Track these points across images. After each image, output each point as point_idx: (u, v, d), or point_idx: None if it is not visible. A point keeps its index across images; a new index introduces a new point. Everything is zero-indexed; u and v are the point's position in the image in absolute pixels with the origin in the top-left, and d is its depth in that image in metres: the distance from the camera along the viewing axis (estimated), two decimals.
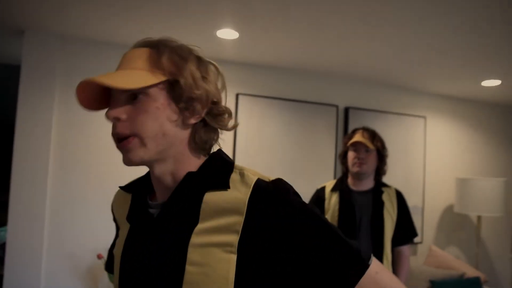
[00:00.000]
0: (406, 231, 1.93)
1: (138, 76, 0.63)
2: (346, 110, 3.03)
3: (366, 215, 1.88)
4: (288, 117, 2.83)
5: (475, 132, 3.62)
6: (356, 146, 1.91)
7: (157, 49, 0.66)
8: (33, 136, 2.17)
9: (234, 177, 0.67)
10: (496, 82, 2.92)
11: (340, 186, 1.96)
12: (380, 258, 1.81)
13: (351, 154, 1.93)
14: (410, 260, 2.97)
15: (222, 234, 0.62)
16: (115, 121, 0.65)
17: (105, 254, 2.25)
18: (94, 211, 2.30)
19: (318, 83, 2.96)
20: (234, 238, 0.62)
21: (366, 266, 0.65)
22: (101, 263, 2.21)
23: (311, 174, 2.88)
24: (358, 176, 1.91)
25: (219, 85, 0.72)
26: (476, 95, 3.39)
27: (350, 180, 1.96)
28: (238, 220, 0.62)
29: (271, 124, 2.77)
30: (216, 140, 0.73)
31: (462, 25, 1.88)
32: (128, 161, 0.66)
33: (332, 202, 1.94)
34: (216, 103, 0.69)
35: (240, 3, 1.73)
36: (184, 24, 2.00)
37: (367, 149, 1.89)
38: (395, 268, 1.92)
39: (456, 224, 3.47)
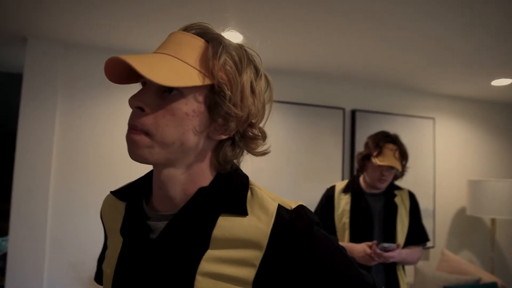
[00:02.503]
0: (417, 235, 1.85)
1: (183, 72, 0.55)
2: (353, 113, 2.97)
3: (378, 218, 1.81)
4: (294, 121, 2.78)
5: (485, 133, 3.54)
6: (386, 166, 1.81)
7: (216, 46, 0.58)
8: (34, 145, 2.15)
9: (252, 199, 0.59)
10: (507, 81, 2.85)
11: (352, 187, 1.89)
12: (392, 263, 1.74)
13: (376, 168, 1.79)
14: (422, 265, 2.88)
15: (236, 267, 0.55)
16: (137, 110, 0.56)
17: None
18: (96, 220, 2.26)
19: (324, 86, 2.91)
20: (250, 274, 0.55)
21: None
22: None
23: (318, 177, 2.82)
24: (375, 188, 1.85)
25: (266, 100, 0.64)
26: (486, 95, 3.31)
27: (362, 182, 1.89)
28: (256, 254, 0.55)
29: (277, 128, 2.72)
30: (240, 159, 0.65)
31: (470, 23, 1.83)
32: (133, 156, 0.57)
33: (342, 202, 1.88)
34: (252, 124, 0.61)
35: (245, 5, 1.70)
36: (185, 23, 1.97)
37: (392, 167, 1.80)
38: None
39: (469, 227, 3.37)
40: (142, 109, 0.56)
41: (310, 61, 2.55)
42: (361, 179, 1.91)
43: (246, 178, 0.63)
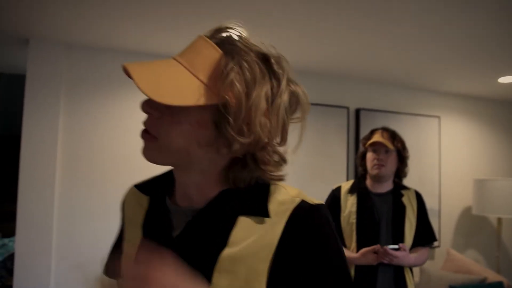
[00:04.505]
0: (425, 234, 1.84)
1: (188, 88, 0.53)
2: (357, 112, 2.95)
3: (385, 219, 1.80)
4: None
5: (491, 131, 3.50)
6: (375, 146, 1.83)
7: (227, 61, 0.54)
8: (39, 146, 2.16)
9: (273, 198, 0.58)
10: None
11: (358, 187, 1.89)
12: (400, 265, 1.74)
13: (370, 156, 1.84)
14: (428, 264, 2.87)
15: (252, 264, 0.55)
16: (147, 113, 0.58)
17: None
18: (102, 220, 2.27)
19: (328, 85, 2.90)
20: (264, 269, 0.55)
21: None
22: None
23: (323, 176, 2.81)
24: (377, 179, 1.84)
25: (295, 116, 0.60)
26: (492, 92, 3.28)
27: (368, 182, 1.89)
28: (271, 249, 0.55)
29: None
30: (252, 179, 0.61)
31: (476, 20, 1.81)
32: (143, 154, 0.59)
33: (348, 203, 1.87)
34: (265, 147, 0.56)
35: (247, 2, 1.69)
36: (192, 28, 1.96)
37: (387, 150, 1.81)
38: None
39: (474, 226, 3.35)
40: (150, 114, 0.57)
41: (314, 60, 2.53)
42: (367, 179, 1.90)
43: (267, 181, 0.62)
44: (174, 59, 0.57)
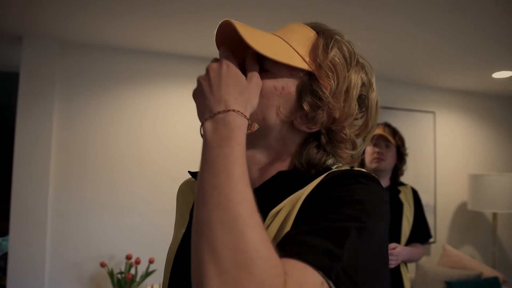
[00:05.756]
0: (421, 232, 1.84)
1: (285, 51, 0.56)
2: None
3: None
4: None
5: (486, 126, 3.51)
6: (376, 140, 1.83)
7: (327, 38, 0.58)
8: (33, 144, 2.14)
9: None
10: (508, 74, 2.83)
11: None
12: None
13: (369, 149, 1.84)
14: (424, 260, 2.87)
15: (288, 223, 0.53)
16: None
17: (108, 262, 2.21)
18: (96, 219, 2.26)
19: None
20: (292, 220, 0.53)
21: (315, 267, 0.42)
22: (105, 271, 2.16)
23: None
24: (375, 173, 1.84)
25: (372, 121, 0.60)
26: (487, 87, 3.28)
27: None
28: (300, 203, 0.53)
29: None
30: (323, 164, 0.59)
31: (470, 16, 1.81)
32: None
33: None
34: (344, 128, 0.57)
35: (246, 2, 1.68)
36: (185, 26, 1.95)
37: (387, 145, 1.82)
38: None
39: (470, 222, 3.36)
40: None
41: None
42: None
43: (330, 164, 0.61)
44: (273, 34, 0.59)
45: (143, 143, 2.38)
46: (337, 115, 0.56)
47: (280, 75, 0.56)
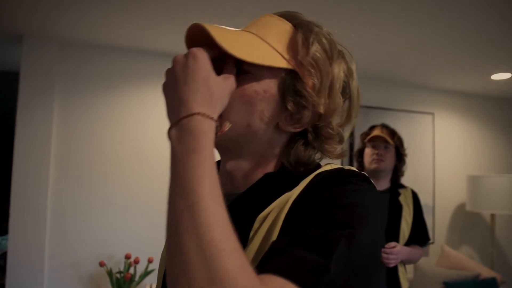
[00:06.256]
0: (419, 235, 1.85)
1: (262, 50, 0.53)
2: None
3: (382, 218, 1.80)
4: None
5: (485, 128, 3.53)
6: (375, 141, 1.84)
7: (307, 32, 0.55)
8: (33, 143, 2.14)
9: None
10: (506, 75, 2.84)
11: None
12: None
13: (368, 151, 1.85)
14: (422, 261, 2.88)
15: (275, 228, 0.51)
16: None
17: (107, 261, 2.21)
18: (96, 218, 2.27)
19: None
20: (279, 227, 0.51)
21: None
22: (104, 271, 2.17)
23: None
24: (375, 174, 1.84)
25: (355, 110, 0.59)
26: (485, 89, 3.30)
27: None
28: (287, 207, 0.51)
29: None
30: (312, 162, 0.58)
31: (469, 18, 1.82)
32: None
33: None
34: (330, 123, 0.55)
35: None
36: (186, 25, 1.96)
37: (386, 146, 1.83)
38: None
39: (468, 223, 3.37)
40: None
41: None
42: None
43: (318, 164, 0.59)
44: (243, 30, 0.57)
45: (143, 142, 2.39)
46: (322, 111, 0.54)
47: (261, 77, 0.54)
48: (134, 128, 2.39)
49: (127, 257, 2.16)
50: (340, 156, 0.58)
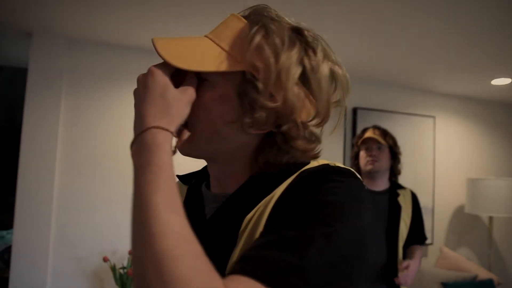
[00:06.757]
0: (417, 235, 1.88)
1: (212, 56, 0.52)
2: (354, 111, 2.99)
3: (381, 218, 1.83)
4: None
5: (485, 132, 3.57)
6: (368, 143, 1.87)
7: (252, 27, 0.52)
8: (39, 139, 2.16)
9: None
10: (506, 81, 2.88)
11: None
12: (394, 264, 1.76)
13: (363, 154, 1.89)
14: (421, 262, 2.91)
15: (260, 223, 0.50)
16: None
17: (111, 257, 2.23)
18: (100, 214, 2.28)
19: None
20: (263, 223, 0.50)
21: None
22: (107, 266, 2.18)
23: None
24: (371, 175, 1.87)
25: (334, 97, 0.56)
26: (486, 94, 3.34)
27: (363, 181, 1.91)
28: (271, 205, 0.50)
29: None
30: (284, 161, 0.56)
31: (471, 22, 1.84)
32: (178, 149, 0.56)
33: None
34: (296, 122, 0.52)
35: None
36: (189, 22, 1.98)
37: (379, 147, 1.86)
38: (410, 254, 1.87)
39: (467, 225, 3.40)
40: None
41: None
42: (362, 177, 1.93)
43: (305, 162, 0.56)
44: (205, 36, 0.57)
45: None
46: (280, 109, 0.51)
47: (216, 83, 0.53)
48: None
49: (131, 253, 2.17)
50: (316, 156, 0.56)
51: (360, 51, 2.35)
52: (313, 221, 0.44)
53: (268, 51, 0.50)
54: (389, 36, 2.08)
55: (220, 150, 0.56)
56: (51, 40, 2.20)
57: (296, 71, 0.51)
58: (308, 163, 0.55)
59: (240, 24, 0.54)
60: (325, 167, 0.51)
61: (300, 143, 0.54)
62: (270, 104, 0.50)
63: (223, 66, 0.51)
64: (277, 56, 0.50)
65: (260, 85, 0.50)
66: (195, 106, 0.53)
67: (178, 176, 0.71)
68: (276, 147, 0.54)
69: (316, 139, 0.56)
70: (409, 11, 1.75)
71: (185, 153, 0.57)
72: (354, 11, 1.78)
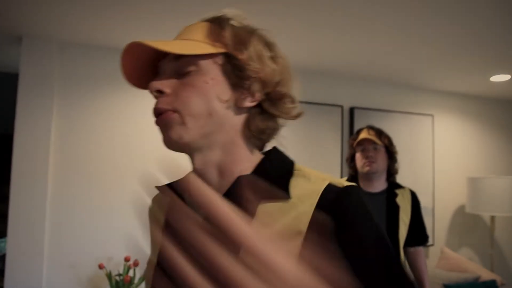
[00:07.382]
0: (418, 234, 1.85)
1: (193, 44, 0.58)
2: (351, 110, 2.96)
3: (379, 219, 1.80)
4: None
5: (484, 129, 3.53)
6: (363, 145, 1.84)
7: (219, 20, 0.61)
8: (31, 145, 2.14)
9: (296, 181, 0.56)
10: (505, 77, 2.85)
11: None
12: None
13: (359, 155, 1.86)
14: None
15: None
16: (158, 94, 0.58)
17: (106, 264, 2.20)
18: (94, 221, 2.26)
19: (322, 83, 2.90)
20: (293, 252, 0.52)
21: None
22: (103, 273, 2.16)
23: None
24: (369, 177, 1.84)
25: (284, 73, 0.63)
26: (485, 91, 3.30)
27: (360, 183, 1.89)
28: (298, 240, 0.52)
29: None
30: (275, 132, 0.63)
31: (469, 19, 1.82)
32: (167, 141, 0.58)
33: None
34: (277, 85, 0.60)
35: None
36: (181, 21, 1.96)
37: (375, 147, 1.83)
38: (415, 267, 1.85)
39: (468, 225, 3.37)
40: (162, 92, 0.58)
41: (308, 59, 2.53)
42: (359, 180, 1.90)
43: (291, 163, 0.61)
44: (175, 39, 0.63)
45: (143, 144, 2.38)
46: (265, 76, 0.59)
47: (203, 69, 0.58)
48: (133, 130, 2.38)
49: (127, 259, 2.15)
50: (296, 116, 0.64)
51: (358, 50, 2.32)
52: (384, 256, 0.55)
53: (242, 32, 0.59)
54: (385, 35, 2.05)
55: (214, 132, 0.58)
56: (42, 44, 2.18)
57: (266, 49, 0.61)
58: (292, 168, 0.60)
59: (205, 24, 0.61)
60: (347, 189, 0.56)
61: (284, 104, 0.61)
62: (254, 74, 0.58)
63: (209, 50, 0.58)
64: (249, 36, 0.59)
65: (242, 60, 0.57)
66: (185, 91, 0.57)
67: (157, 186, 0.69)
68: (264, 112, 0.61)
69: (295, 101, 0.63)
70: (407, 9, 1.73)
71: (180, 138, 0.57)
72: (352, 9, 1.75)
